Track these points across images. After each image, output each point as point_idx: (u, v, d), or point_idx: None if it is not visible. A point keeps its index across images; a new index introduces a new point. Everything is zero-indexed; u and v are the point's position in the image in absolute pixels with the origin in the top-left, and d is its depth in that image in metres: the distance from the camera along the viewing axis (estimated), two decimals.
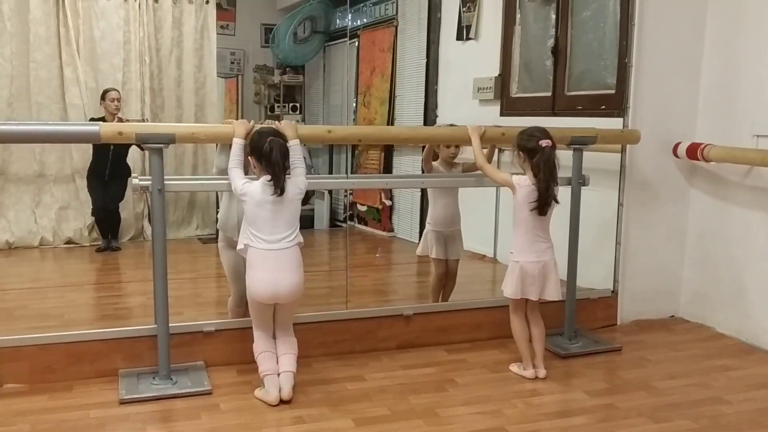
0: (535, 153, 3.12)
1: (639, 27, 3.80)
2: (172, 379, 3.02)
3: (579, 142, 3.52)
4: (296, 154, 2.95)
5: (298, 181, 2.91)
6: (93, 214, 6.08)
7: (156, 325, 3.06)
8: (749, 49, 3.70)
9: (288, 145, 2.94)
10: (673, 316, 4.12)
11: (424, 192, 5.39)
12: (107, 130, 2.82)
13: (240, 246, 2.90)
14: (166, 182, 2.94)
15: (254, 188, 2.84)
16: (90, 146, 5.87)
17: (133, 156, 6.10)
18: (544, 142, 3.11)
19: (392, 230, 6.61)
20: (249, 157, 2.91)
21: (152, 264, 3.00)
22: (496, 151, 3.87)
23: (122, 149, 5.89)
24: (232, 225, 3.33)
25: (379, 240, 6.56)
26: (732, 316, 3.80)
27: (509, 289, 3.21)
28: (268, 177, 2.80)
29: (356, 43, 7.32)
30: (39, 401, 2.86)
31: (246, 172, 2.96)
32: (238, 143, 2.96)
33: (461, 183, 3.69)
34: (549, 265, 3.21)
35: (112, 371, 3.09)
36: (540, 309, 3.29)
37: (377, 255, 6.14)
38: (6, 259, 5.59)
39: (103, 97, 5.99)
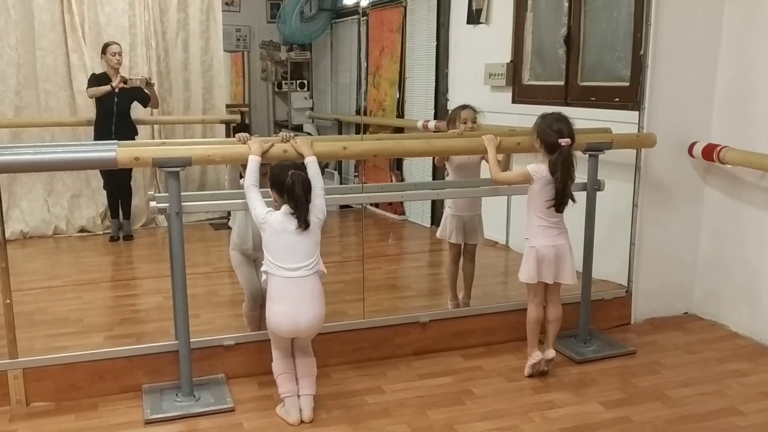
0: (554, 149, 3.12)
1: (655, 25, 3.74)
2: (194, 396, 3.07)
3: (595, 149, 3.50)
4: (314, 172, 2.94)
5: (318, 208, 2.86)
6: (105, 187, 6.05)
7: (177, 341, 3.11)
8: (766, 48, 3.64)
9: (306, 162, 2.94)
10: (686, 312, 4.15)
11: (436, 173, 5.38)
12: (124, 155, 2.81)
13: (263, 276, 2.88)
14: (183, 204, 2.96)
15: (275, 218, 2.81)
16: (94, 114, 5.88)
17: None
18: (563, 141, 3.11)
19: (404, 213, 6.62)
20: (270, 190, 2.88)
21: (172, 287, 3.04)
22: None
23: (125, 106, 5.84)
24: (248, 245, 3.37)
25: (390, 224, 6.57)
26: (745, 315, 3.82)
27: (524, 274, 3.26)
28: (291, 211, 2.78)
29: (366, 21, 7.22)
30: (66, 421, 2.93)
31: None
32: (254, 160, 2.94)
33: (477, 192, 3.68)
34: (564, 249, 3.24)
35: (136, 387, 3.15)
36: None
37: (389, 242, 6.16)
38: (21, 251, 5.63)
39: (104, 51, 5.85)
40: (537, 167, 3.20)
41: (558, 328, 3.37)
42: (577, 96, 4.57)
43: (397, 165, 6.72)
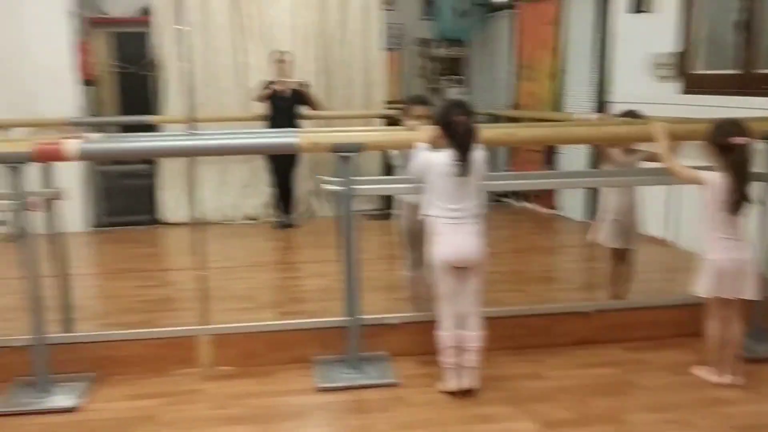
0: (728, 150, 2.99)
1: None
2: (360, 369, 3.24)
3: None
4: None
5: (481, 155, 2.98)
6: (271, 185, 6.50)
7: (347, 318, 3.29)
8: None
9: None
10: None
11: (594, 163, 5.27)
12: (305, 141, 3.03)
13: (424, 214, 3.03)
14: (356, 186, 3.13)
15: (438, 160, 2.94)
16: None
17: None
18: (737, 140, 2.97)
19: (555, 208, 6.52)
20: (436, 126, 3.00)
21: (344, 266, 3.22)
22: None
23: (291, 108, 6.24)
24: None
25: (542, 218, 6.50)
26: None
27: (702, 288, 3.11)
28: (456, 158, 2.89)
29: (519, 15, 7.20)
30: (246, 385, 3.19)
31: None
32: (423, 148, 3.06)
33: (640, 182, 3.59)
34: (745, 262, 3.07)
35: (306, 357, 3.37)
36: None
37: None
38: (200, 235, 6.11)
39: (272, 59, 6.30)
40: (712, 175, 3.07)
41: (736, 350, 3.15)
42: (756, 85, 4.33)
43: (548, 159, 6.64)
